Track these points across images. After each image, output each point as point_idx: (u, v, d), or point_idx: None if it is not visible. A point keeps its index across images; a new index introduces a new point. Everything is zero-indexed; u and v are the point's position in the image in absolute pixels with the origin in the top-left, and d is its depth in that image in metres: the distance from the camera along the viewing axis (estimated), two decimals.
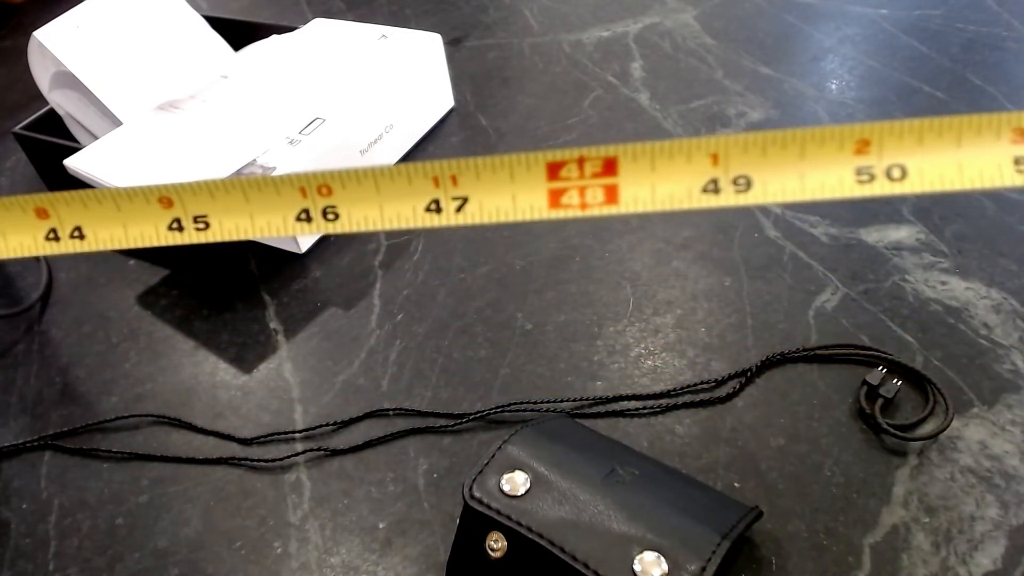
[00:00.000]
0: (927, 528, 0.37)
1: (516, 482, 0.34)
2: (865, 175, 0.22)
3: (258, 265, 0.56)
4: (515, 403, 0.44)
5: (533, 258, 0.54)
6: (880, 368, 0.43)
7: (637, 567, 0.30)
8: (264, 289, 0.54)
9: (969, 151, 0.22)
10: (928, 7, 0.75)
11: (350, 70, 0.61)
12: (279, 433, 0.45)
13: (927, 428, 0.41)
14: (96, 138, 0.63)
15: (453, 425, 0.44)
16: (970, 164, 0.22)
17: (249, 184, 0.24)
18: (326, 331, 0.51)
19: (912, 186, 0.22)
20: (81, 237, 0.25)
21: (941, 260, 0.49)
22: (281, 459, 0.43)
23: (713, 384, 0.44)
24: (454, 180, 0.24)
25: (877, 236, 0.52)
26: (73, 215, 0.25)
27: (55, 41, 0.59)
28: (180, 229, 0.25)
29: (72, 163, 0.56)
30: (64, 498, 0.43)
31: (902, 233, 0.52)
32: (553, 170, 0.24)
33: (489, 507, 0.33)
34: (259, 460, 0.43)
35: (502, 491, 0.34)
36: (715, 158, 0.23)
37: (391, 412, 0.45)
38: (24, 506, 0.43)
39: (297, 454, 0.44)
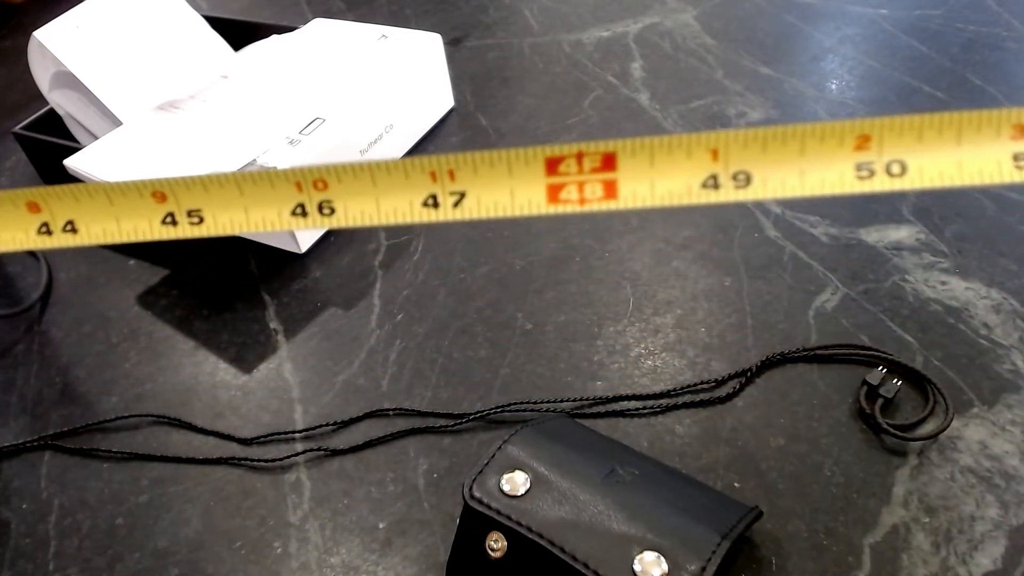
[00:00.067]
0: (927, 528, 0.37)
1: (516, 482, 0.34)
2: (865, 171, 0.22)
3: (258, 265, 0.56)
4: (515, 403, 0.44)
5: (533, 258, 0.54)
6: (880, 368, 0.43)
7: (637, 567, 0.30)
8: (264, 289, 0.54)
9: (969, 147, 0.22)
10: (928, 7, 0.75)
11: (350, 70, 0.61)
12: (279, 433, 0.45)
13: (927, 428, 0.41)
14: (96, 138, 0.63)
15: (453, 425, 0.44)
16: (970, 160, 0.22)
17: (243, 178, 0.24)
18: (326, 331, 0.51)
19: (912, 182, 0.22)
20: (74, 231, 0.25)
21: (941, 260, 0.49)
22: (281, 459, 0.43)
23: (713, 384, 0.44)
24: (451, 175, 0.24)
25: (877, 236, 0.52)
26: (65, 209, 0.25)
27: (55, 41, 0.59)
28: (174, 223, 0.25)
29: (72, 163, 0.56)
30: (64, 498, 0.43)
31: (902, 233, 0.52)
32: (551, 165, 0.23)
33: (489, 507, 0.33)
34: (259, 460, 0.43)
35: (502, 491, 0.34)
36: (715, 154, 0.23)
37: (391, 412, 0.45)
38: (24, 506, 0.43)
39: (297, 454, 0.44)
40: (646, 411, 0.43)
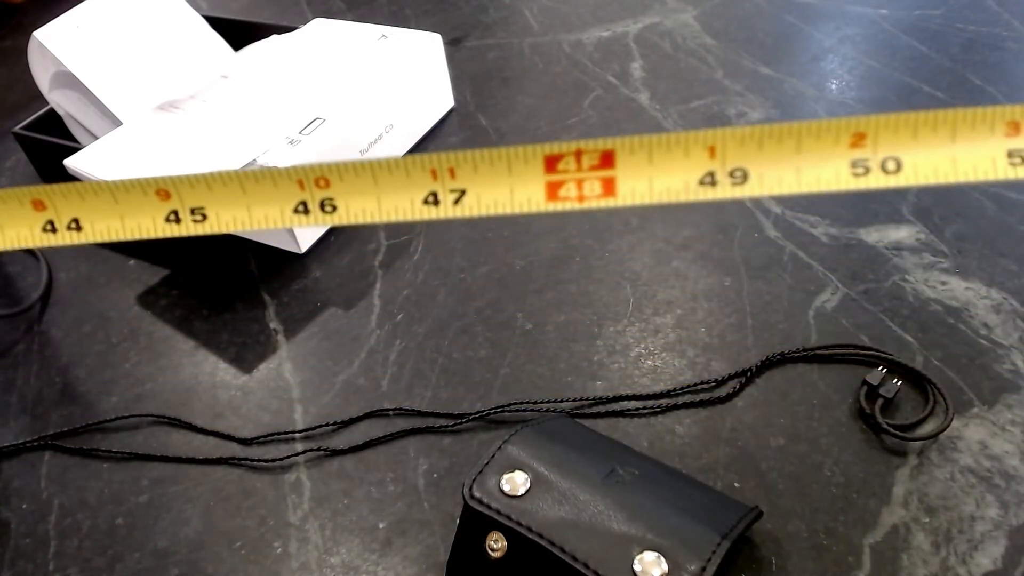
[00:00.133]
0: (927, 528, 0.37)
1: (516, 482, 0.34)
2: (860, 168, 0.22)
3: (258, 265, 0.56)
4: (515, 403, 0.44)
5: (533, 258, 0.54)
6: (880, 368, 0.43)
7: (637, 567, 0.30)
8: (264, 289, 0.54)
9: (963, 144, 0.22)
10: (928, 7, 0.75)
11: (350, 70, 0.61)
12: (279, 433, 0.45)
13: (927, 428, 0.41)
14: (96, 138, 0.63)
15: (453, 425, 0.44)
16: (964, 157, 0.22)
17: (246, 176, 0.24)
18: (326, 331, 0.51)
19: (907, 179, 0.22)
20: (78, 229, 0.25)
21: (941, 260, 0.49)
22: (281, 459, 0.43)
23: (713, 384, 0.44)
24: (452, 173, 0.24)
25: (877, 236, 0.52)
26: (70, 207, 0.25)
27: (55, 41, 0.59)
28: (177, 221, 0.25)
29: (72, 163, 0.56)
30: (64, 498, 0.43)
31: (902, 233, 0.52)
32: (551, 163, 0.24)
33: (489, 507, 0.33)
34: (259, 460, 0.43)
35: (502, 491, 0.34)
36: (712, 151, 0.23)
37: (391, 412, 0.45)
38: (24, 506, 0.43)
39: (297, 454, 0.44)
40: (646, 411, 0.43)
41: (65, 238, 0.25)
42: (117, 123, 0.60)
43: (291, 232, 0.55)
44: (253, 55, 0.66)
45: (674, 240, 0.54)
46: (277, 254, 0.57)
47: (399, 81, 0.62)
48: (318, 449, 0.43)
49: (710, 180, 0.23)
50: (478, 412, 0.44)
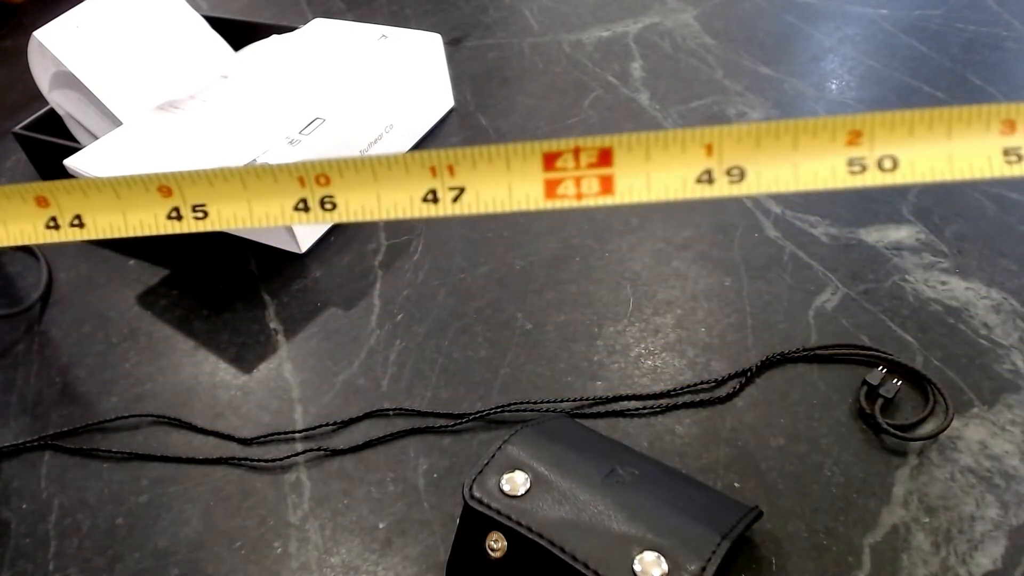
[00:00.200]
0: (927, 528, 0.37)
1: (516, 482, 0.34)
2: (857, 166, 0.23)
3: (258, 265, 0.56)
4: (515, 403, 0.44)
5: (533, 258, 0.54)
6: (880, 368, 0.43)
7: (637, 567, 0.30)
8: (264, 289, 0.54)
9: (959, 142, 0.22)
10: (928, 7, 0.75)
11: (350, 70, 0.61)
12: (279, 433, 0.45)
13: (927, 428, 0.41)
14: (96, 138, 0.63)
15: (453, 425, 0.44)
16: (960, 155, 0.22)
17: (247, 173, 0.24)
18: (326, 331, 0.51)
19: (903, 177, 0.22)
20: (81, 225, 0.25)
21: (941, 260, 0.49)
22: (281, 459, 0.43)
23: (713, 384, 0.44)
24: (451, 170, 0.24)
25: (877, 236, 0.52)
26: (73, 203, 0.25)
27: (55, 41, 0.59)
28: (179, 218, 0.25)
29: (72, 163, 0.56)
30: (64, 498, 0.43)
31: (902, 233, 0.52)
32: (549, 160, 0.24)
33: (489, 507, 0.33)
34: (259, 460, 0.43)
35: (502, 491, 0.34)
36: (709, 148, 0.23)
37: (391, 412, 0.45)
38: (24, 506, 0.43)
39: (297, 454, 0.44)
40: (646, 411, 0.43)
41: (68, 234, 0.25)
42: (117, 123, 0.60)
43: (291, 232, 0.55)
44: (253, 55, 0.66)
45: (674, 240, 0.54)
46: (277, 254, 0.57)
47: (399, 81, 0.62)
48: (318, 449, 0.43)
49: (707, 178, 0.23)
50: (478, 412, 0.44)
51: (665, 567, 0.30)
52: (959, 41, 0.69)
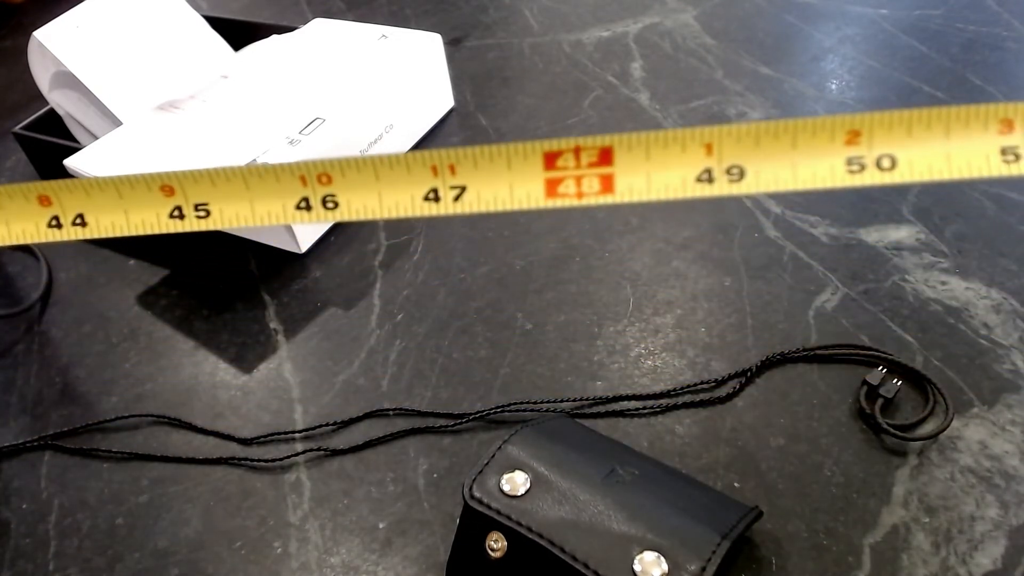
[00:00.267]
0: (927, 528, 0.37)
1: (516, 482, 0.34)
2: (856, 165, 0.23)
3: (258, 265, 0.56)
4: (515, 403, 0.44)
5: (533, 258, 0.54)
6: (880, 368, 0.43)
7: (637, 567, 0.30)
8: (264, 289, 0.54)
9: (957, 142, 0.22)
10: (928, 7, 0.75)
11: (350, 70, 0.61)
12: (279, 433, 0.45)
13: (927, 428, 0.41)
14: (96, 138, 0.63)
15: (453, 425, 0.44)
16: (958, 154, 0.22)
17: (249, 172, 0.25)
18: (326, 331, 0.51)
19: (902, 176, 0.22)
20: (83, 224, 0.25)
21: (941, 260, 0.49)
22: (281, 459, 0.43)
23: (713, 384, 0.44)
24: (452, 169, 0.24)
25: (877, 236, 0.52)
26: (75, 202, 0.25)
27: (55, 41, 0.59)
28: (181, 217, 0.25)
29: (72, 163, 0.56)
30: (64, 498, 0.43)
31: (902, 233, 0.52)
32: (550, 159, 0.24)
33: (489, 507, 0.33)
34: (259, 460, 0.43)
35: (502, 491, 0.34)
36: (709, 148, 0.23)
37: (391, 412, 0.45)
38: (24, 506, 0.43)
39: (297, 454, 0.44)
40: (646, 411, 0.43)
41: (70, 234, 0.25)
42: (117, 123, 0.60)
43: (291, 232, 0.55)
44: (253, 55, 0.66)
45: (674, 240, 0.54)
46: (277, 254, 0.57)
47: (399, 81, 0.62)
48: (318, 449, 0.43)
49: (707, 177, 0.23)
50: (478, 412, 0.44)
51: (665, 567, 0.30)
52: (959, 41, 0.69)
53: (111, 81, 0.60)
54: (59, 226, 0.25)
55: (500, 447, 0.36)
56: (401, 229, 0.58)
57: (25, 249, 0.61)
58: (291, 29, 0.69)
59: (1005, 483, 0.38)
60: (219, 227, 0.25)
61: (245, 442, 0.45)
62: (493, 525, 0.33)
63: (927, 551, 0.36)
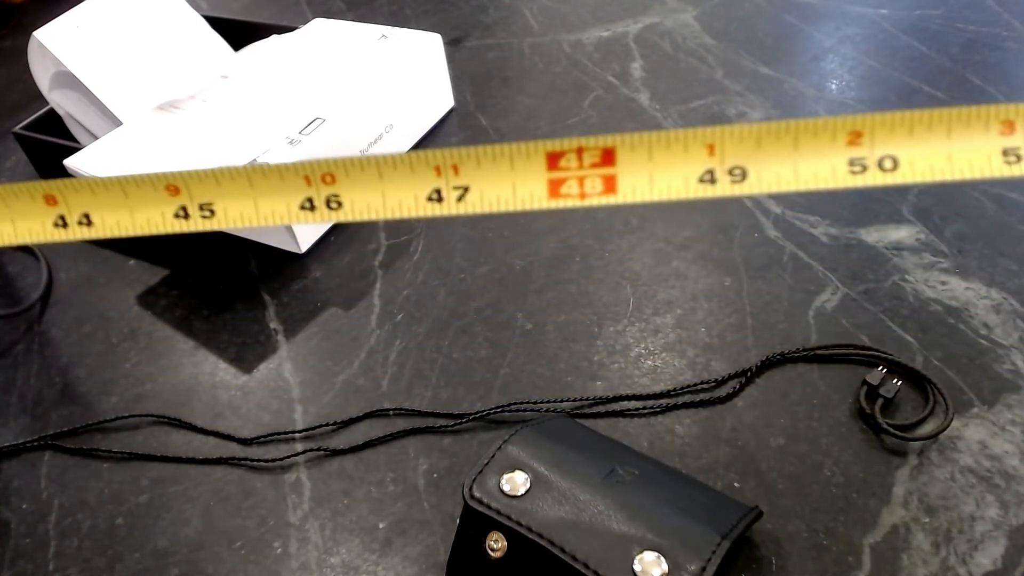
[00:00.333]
0: (927, 528, 0.37)
1: (516, 482, 0.34)
2: (858, 166, 0.23)
3: (258, 265, 0.56)
4: (515, 403, 0.44)
5: (533, 258, 0.54)
6: (880, 368, 0.43)
7: (637, 567, 0.30)
8: (264, 289, 0.54)
9: (959, 142, 0.22)
10: (928, 7, 0.75)
11: (350, 70, 0.61)
12: (279, 433, 0.45)
13: (927, 428, 0.41)
14: (96, 138, 0.63)
15: (453, 425, 0.44)
16: (960, 155, 0.22)
17: (254, 172, 0.25)
18: (326, 331, 0.51)
19: (904, 177, 0.22)
20: (89, 224, 0.25)
21: (941, 260, 0.50)
22: (281, 459, 0.43)
23: (713, 384, 0.44)
24: (455, 169, 0.24)
25: (877, 236, 0.52)
26: (81, 201, 0.25)
27: (55, 41, 0.59)
28: (186, 216, 0.25)
29: (72, 163, 0.56)
30: (64, 498, 0.43)
31: (902, 233, 0.52)
32: (552, 160, 0.24)
33: (489, 507, 0.33)
34: (259, 460, 0.43)
35: (502, 491, 0.34)
36: (711, 148, 0.23)
37: (391, 412, 0.45)
38: (24, 506, 0.43)
39: (297, 454, 0.44)
40: (646, 411, 0.43)
41: (76, 233, 0.25)
42: (117, 123, 0.60)
43: (291, 232, 0.55)
44: (253, 55, 0.66)
45: (674, 240, 0.54)
46: (277, 254, 0.57)
47: (399, 81, 0.62)
48: (318, 449, 0.43)
49: (710, 178, 0.23)
50: (478, 412, 0.44)
51: (665, 567, 0.30)
52: (959, 41, 0.69)
53: (111, 81, 0.60)
54: (65, 225, 0.25)
55: (500, 447, 0.36)
56: (401, 229, 0.58)
57: (25, 249, 0.61)
58: (291, 29, 0.69)
59: (1005, 483, 0.38)
60: (223, 227, 0.25)
61: (245, 442, 0.45)
62: (493, 525, 0.33)
63: (927, 551, 0.36)
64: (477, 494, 0.34)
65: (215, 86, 0.63)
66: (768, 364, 0.45)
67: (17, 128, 0.64)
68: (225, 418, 0.46)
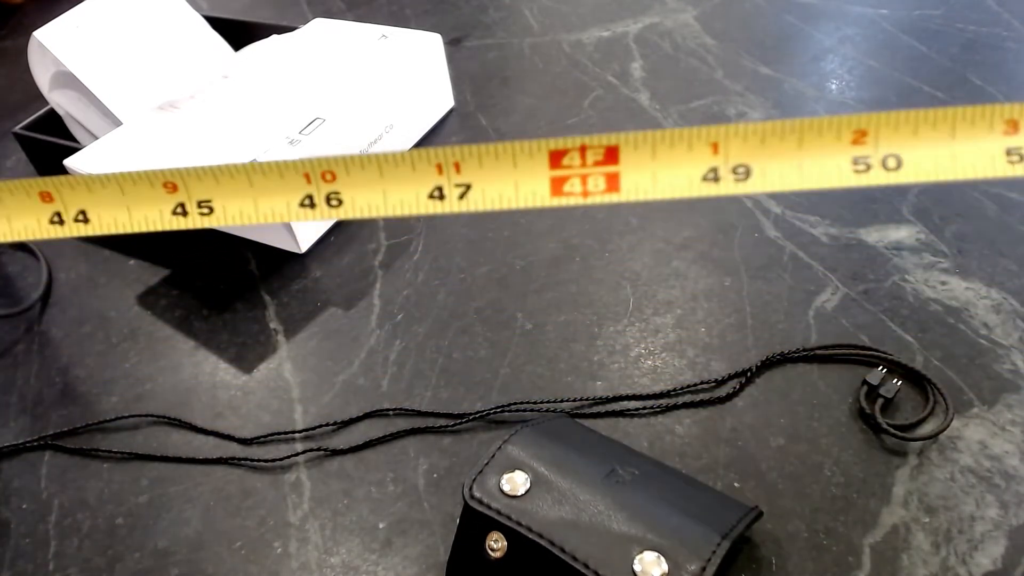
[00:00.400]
0: (927, 528, 0.37)
1: (516, 482, 0.34)
2: (862, 165, 0.23)
3: (258, 265, 0.56)
4: (515, 403, 0.44)
5: (533, 258, 0.54)
6: (880, 368, 0.43)
7: (637, 567, 0.30)
8: (264, 289, 0.54)
9: (963, 142, 0.22)
10: (928, 7, 0.75)
11: (350, 70, 0.61)
12: (279, 433, 0.45)
13: (927, 428, 0.41)
14: (96, 138, 0.63)
15: (453, 425, 0.44)
16: (963, 155, 0.22)
17: (253, 169, 0.24)
18: (326, 331, 0.51)
19: (907, 176, 0.22)
20: (85, 221, 0.25)
21: (941, 260, 0.49)
22: (281, 459, 0.43)
23: (713, 384, 0.44)
24: (457, 167, 0.24)
25: (877, 236, 0.52)
26: (77, 199, 0.25)
27: (55, 41, 0.59)
28: (184, 214, 0.25)
29: (72, 163, 0.56)
30: (64, 498, 0.43)
31: (902, 233, 0.52)
32: (555, 158, 0.24)
33: (489, 507, 0.33)
34: (259, 460, 0.43)
35: (502, 491, 0.34)
36: (715, 147, 0.23)
37: (391, 412, 0.45)
38: (24, 506, 0.43)
39: (297, 454, 0.44)
40: (646, 411, 0.43)
41: (72, 230, 0.25)
42: (117, 123, 0.60)
43: (291, 232, 0.55)
44: (253, 55, 0.66)
45: (674, 240, 0.54)
46: (277, 254, 0.57)
47: (399, 81, 0.62)
48: (318, 449, 0.43)
49: (713, 176, 0.23)
50: (478, 412, 0.44)
51: (665, 567, 0.30)
52: (959, 41, 0.69)
53: (111, 81, 0.60)
54: (61, 222, 0.25)
55: (500, 447, 0.36)
56: (401, 229, 0.58)
57: (25, 249, 0.61)
58: (291, 29, 0.69)
59: (1005, 483, 0.38)
60: (222, 224, 0.25)
61: (245, 442, 0.45)
62: (493, 525, 0.33)
63: (927, 551, 0.36)
64: (477, 494, 0.34)
65: (215, 86, 0.63)
66: (768, 364, 0.45)
67: (17, 128, 0.64)
68: (225, 418, 0.46)
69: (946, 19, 0.72)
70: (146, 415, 0.47)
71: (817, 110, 0.64)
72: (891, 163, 0.22)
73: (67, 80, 0.60)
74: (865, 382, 0.42)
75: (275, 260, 0.56)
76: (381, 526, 0.40)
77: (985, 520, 0.37)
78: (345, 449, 0.43)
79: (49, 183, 0.25)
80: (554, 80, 0.72)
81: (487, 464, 0.35)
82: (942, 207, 0.53)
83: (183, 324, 0.53)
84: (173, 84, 0.62)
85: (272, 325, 0.52)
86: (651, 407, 0.44)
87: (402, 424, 0.45)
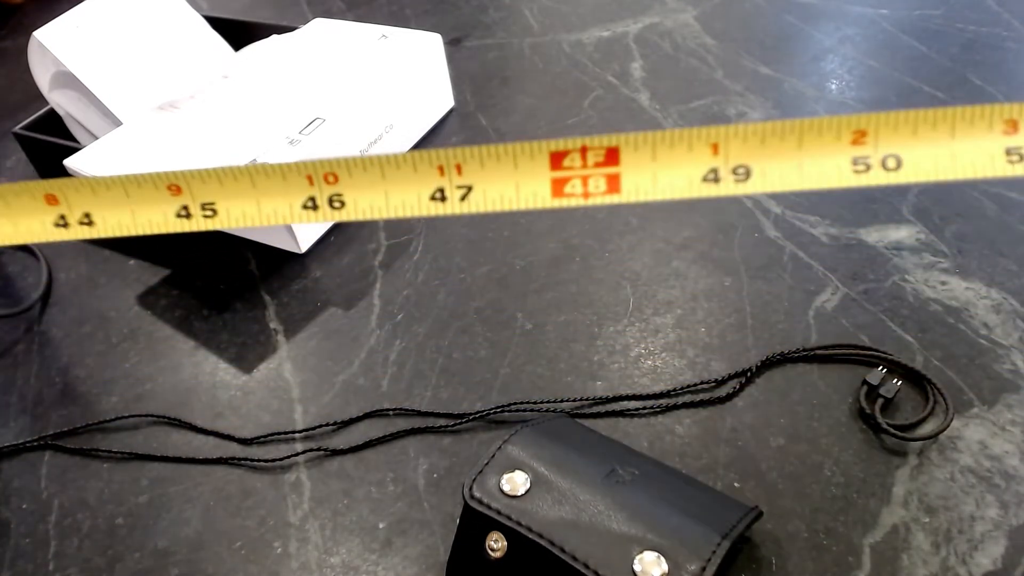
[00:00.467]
0: (927, 528, 0.37)
1: (516, 482, 0.34)
2: (861, 165, 0.23)
3: (258, 265, 0.56)
4: (515, 403, 0.44)
5: (533, 258, 0.54)
6: (880, 368, 0.43)
7: (637, 567, 0.30)
8: (264, 289, 0.54)
9: (962, 142, 0.22)
10: (928, 7, 0.75)
11: (350, 70, 0.61)
12: (279, 433, 0.45)
13: (927, 428, 0.41)
14: (96, 138, 0.63)
15: (453, 425, 0.44)
16: (963, 154, 0.22)
17: (256, 171, 0.25)
18: (326, 331, 0.51)
19: (907, 176, 0.22)
20: (90, 223, 0.25)
21: (941, 260, 0.49)
22: (281, 459, 0.43)
23: (713, 384, 0.44)
24: (459, 169, 0.24)
25: (877, 236, 0.52)
26: (82, 201, 0.25)
27: (55, 41, 0.59)
28: (188, 216, 0.25)
29: (72, 163, 0.56)
30: (64, 498, 0.43)
31: (902, 233, 0.52)
32: (556, 159, 0.24)
33: (489, 507, 0.33)
34: (259, 460, 0.43)
35: (502, 491, 0.34)
36: (715, 148, 0.23)
37: (391, 412, 0.45)
38: (24, 506, 0.43)
39: (297, 454, 0.44)
40: (646, 411, 0.43)
41: (77, 233, 0.25)
42: (117, 123, 0.60)
43: (291, 232, 0.55)
44: (253, 55, 0.66)
45: (674, 240, 0.54)
46: (277, 254, 0.57)
47: (399, 81, 0.62)
48: (318, 449, 0.43)
49: (713, 177, 0.23)
50: (478, 412, 0.44)
51: (665, 567, 0.30)
52: (959, 41, 0.69)
53: (111, 81, 0.60)
54: (66, 225, 0.25)
55: (500, 447, 0.36)
56: (401, 229, 0.58)
57: (25, 249, 0.61)
58: (291, 29, 0.69)
59: (1005, 483, 0.38)
60: (226, 226, 0.25)
61: (245, 442, 0.45)
62: (493, 525, 0.33)
63: (927, 551, 0.36)
64: (477, 494, 0.34)
65: (215, 86, 0.63)
66: (768, 364, 0.45)
67: (17, 128, 0.64)
68: (225, 418, 0.46)
69: (946, 19, 0.72)
70: (146, 415, 0.47)
71: (817, 110, 0.64)
72: (891, 163, 0.22)
73: (67, 80, 0.60)
74: (865, 382, 0.42)
75: (275, 260, 0.56)
76: (381, 526, 0.40)
77: (985, 520, 0.37)
78: (345, 449, 0.43)
79: (54, 185, 0.25)
80: (554, 80, 0.72)
81: (487, 464, 0.35)
82: (942, 207, 0.53)
83: (183, 324, 0.53)
84: (173, 84, 0.62)
85: (272, 325, 0.52)
86: (651, 407, 0.44)
87: (402, 424, 0.45)
